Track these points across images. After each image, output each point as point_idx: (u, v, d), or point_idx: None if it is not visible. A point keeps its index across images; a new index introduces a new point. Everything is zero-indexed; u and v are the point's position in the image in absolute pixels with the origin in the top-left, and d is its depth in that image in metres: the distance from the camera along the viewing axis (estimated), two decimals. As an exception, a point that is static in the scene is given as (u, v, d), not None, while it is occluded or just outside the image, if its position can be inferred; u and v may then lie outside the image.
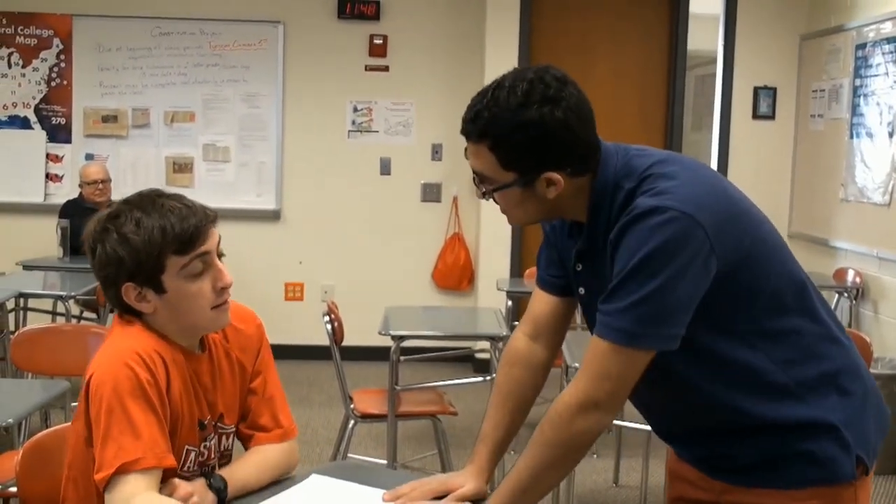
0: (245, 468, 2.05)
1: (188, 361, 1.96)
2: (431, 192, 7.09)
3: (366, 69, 7.01)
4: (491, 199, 1.83)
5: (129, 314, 1.95)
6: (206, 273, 1.93)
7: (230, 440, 2.09)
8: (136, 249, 1.86)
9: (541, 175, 1.75)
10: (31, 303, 5.72)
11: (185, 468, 1.95)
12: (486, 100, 1.74)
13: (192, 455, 1.97)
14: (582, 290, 1.92)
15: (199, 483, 1.92)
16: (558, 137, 1.72)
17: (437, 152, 7.05)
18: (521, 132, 1.71)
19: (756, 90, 6.85)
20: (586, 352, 1.76)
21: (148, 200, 1.92)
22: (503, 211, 1.86)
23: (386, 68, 7.01)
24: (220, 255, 1.98)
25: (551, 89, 1.71)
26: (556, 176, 1.75)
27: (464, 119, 1.77)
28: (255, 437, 2.12)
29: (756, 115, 6.87)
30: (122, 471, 1.74)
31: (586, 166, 1.78)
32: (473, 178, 1.83)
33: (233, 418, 2.08)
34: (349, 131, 7.05)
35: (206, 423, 1.99)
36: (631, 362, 1.72)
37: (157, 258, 1.87)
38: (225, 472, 1.99)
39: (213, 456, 2.04)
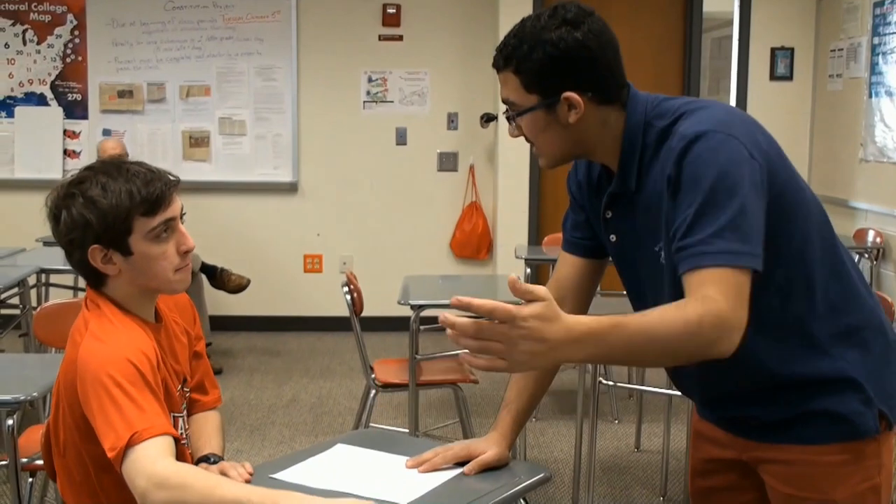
0: (218, 439, 2.16)
1: (153, 332, 2.02)
2: (448, 161, 7.08)
3: (379, 39, 6.98)
4: (522, 136, 1.85)
5: (93, 278, 1.99)
6: (170, 236, 1.97)
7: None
8: (104, 212, 1.90)
9: (561, 96, 1.76)
10: (53, 278, 5.76)
11: (180, 436, 2.00)
12: (513, 31, 1.81)
13: (180, 422, 2.04)
14: (613, 237, 1.91)
15: (215, 468, 1.97)
16: (575, 56, 1.75)
17: (452, 121, 7.03)
18: (540, 51, 1.75)
19: (773, 51, 6.79)
20: (693, 284, 1.60)
21: (112, 166, 1.96)
22: (533, 149, 1.87)
23: (400, 38, 6.98)
24: (182, 217, 2.02)
25: (571, 13, 1.77)
26: (575, 97, 1.76)
27: (495, 52, 1.83)
28: (200, 402, 2.22)
29: (773, 77, 6.82)
30: (134, 441, 1.75)
31: (609, 95, 1.79)
32: (504, 112, 1.86)
33: (189, 381, 2.16)
34: (364, 102, 7.04)
35: (181, 388, 2.08)
36: (748, 283, 1.61)
37: (124, 220, 1.91)
38: (209, 448, 2.10)
39: (186, 421, 2.11)
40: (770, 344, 1.77)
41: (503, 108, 1.88)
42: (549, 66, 1.75)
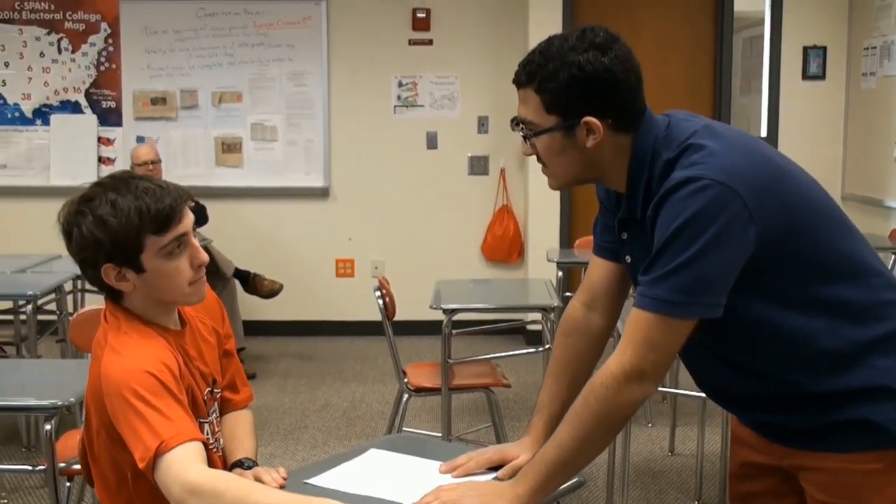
0: (251, 441, 2.16)
1: (176, 339, 2.01)
2: (479, 165, 7.08)
3: (409, 43, 6.99)
4: (535, 155, 1.85)
5: (109, 293, 1.99)
6: (183, 251, 1.96)
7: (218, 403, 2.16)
8: (114, 231, 1.89)
9: (581, 120, 1.76)
10: (88, 284, 5.81)
11: (208, 441, 2.01)
12: (539, 48, 1.80)
13: (206, 427, 2.04)
14: (628, 259, 1.92)
15: (249, 473, 1.98)
16: (601, 81, 1.74)
17: (483, 125, 7.03)
18: (565, 72, 1.74)
19: (805, 50, 6.73)
20: (628, 321, 1.76)
21: (121, 181, 1.94)
22: (544, 169, 1.87)
23: (430, 42, 6.99)
24: (194, 231, 2.01)
25: (599, 38, 1.76)
26: (596, 122, 1.76)
27: (517, 69, 1.82)
28: (232, 401, 2.22)
29: (806, 76, 6.76)
30: (162, 450, 1.75)
31: (628, 122, 1.79)
32: (521, 129, 1.85)
33: (220, 381, 2.16)
34: (395, 106, 7.05)
35: (210, 391, 2.08)
36: (673, 332, 1.72)
37: (135, 239, 1.90)
38: (242, 451, 2.10)
39: (217, 424, 2.12)
40: (801, 362, 1.77)
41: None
42: (573, 88, 1.75)
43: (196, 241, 2.00)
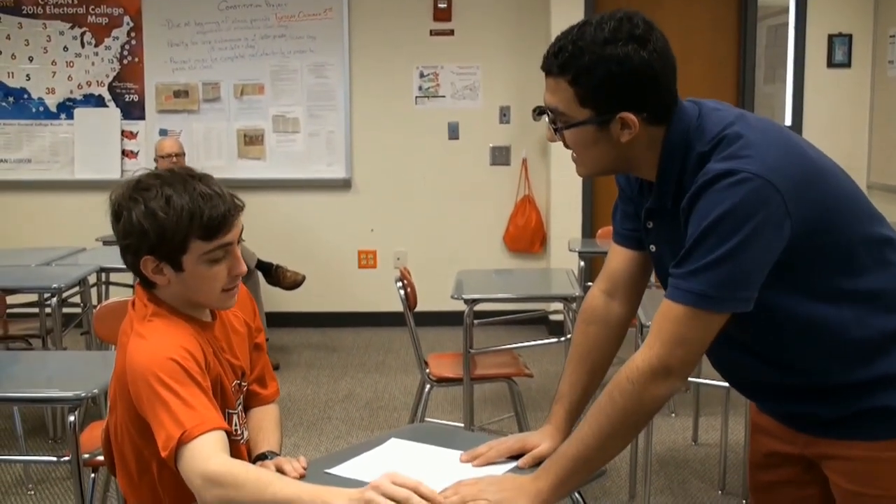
0: (276, 435, 2.16)
1: (205, 331, 2.02)
2: (501, 155, 7.07)
3: (431, 34, 6.98)
4: (561, 142, 1.80)
5: (144, 280, 1.99)
6: (224, 259, 1.96)
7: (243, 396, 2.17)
8: (163, 226, 1.89)
9: (617, 115, 1.72)
10: (112, 277, 5.87)
11: (234, 432, 2.03)
12: (571, 35, 1.72)
13: (234, 418, 2.05)
14: (653, 248, 1.90)
15: (270, 463, 1.98)
16: (640, 77, 1.69)
17: (504, 115, 7.02)
18: (603, 67, 1.68)
19: (830, 38, 6.67)
20: (657, 315, 1.72)
21: (179, 179, 1.93)
22: (574, 156, 1.83)
23: (451, 32, 6.98)
24: (239, 241, 2.00)
25: (639, 29, 1.69)
26: (631, 118, 1.71)
27: (546, 53, 1.75)
28: (260, 396, 2.22)
29: (831, 64, 6.70)
30: (184, 440, 1.76)
31: (663, 115, 1.75)
32: (548, 116, 1.79)
33: (248, 374, 2.16)
34: (416, 97, 7.05)
35: (238, 383, 2.08)
36: (706, 326, 1.69)
37: (181, 240, 1.90)
38: (267, 445, 2.10)
39: (244, 415, 2.12)
40: (830, 352, 1.76)
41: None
42: (610, 84, 1.69)
43: (238, 251, 1.99)
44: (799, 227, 1.66)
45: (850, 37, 6.66)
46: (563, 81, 1.72)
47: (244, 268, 2.00)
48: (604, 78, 1.69)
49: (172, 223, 1.88)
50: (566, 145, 1.81)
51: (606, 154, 1.78)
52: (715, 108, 1.79)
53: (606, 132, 1.74)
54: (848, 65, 6.69)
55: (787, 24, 6.82)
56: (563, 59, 1.72)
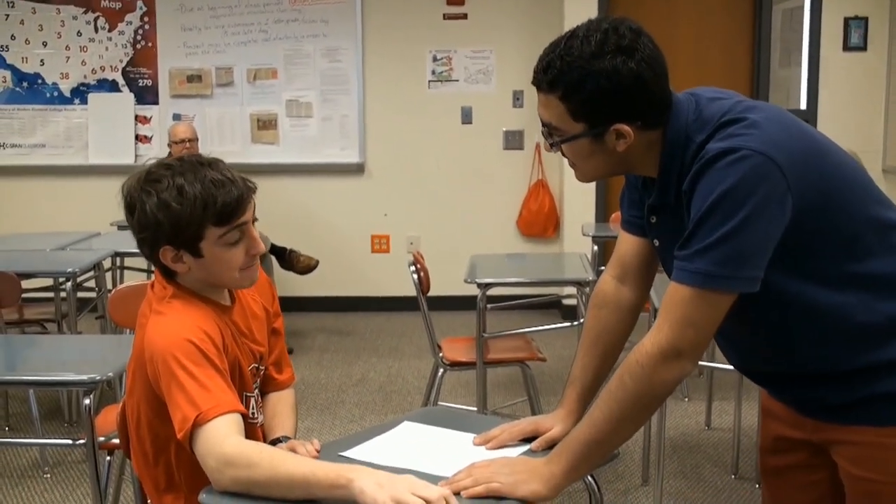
0: (291, 419, 2.18)
1: (224, 314, 2.03)
2: (514, 140, 7.06)
3: (444, 17, 6.97)
4: (559, 152, 1.82)
5: (163, 270, 2.01)
6: (241, 241, 1.97)
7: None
8: (177, 217, 1.90)
9: (610, 127, 1.72)
10: (127, 261, 5.89)
11: (250, 415, 2.04)
12: (558, 49, 1.72)
13: (252, 401, 2.07)
14: (657, 242, 1.90)
15: (284, 446, 1.99)
16: (630, 89, 1.69)
17: (518, 99, 7.00)
18: (592, 82, 1.68)
19: (846, 21, 6.62)
20: (665, 298, 1.72)
21: (190, 167, 1.94)
22: (571, 165, 1.85)
23: (464, 16, 6.96)
24: (253, 221, 2.01)
25: (625, 40, 1.68)
26: (626, 128, 1.72)
27: (535, 69, 1.75)
28: (276, 381, 2.24)
29: (847, 48, 6.65)
30: (200, 421, 1.77)
31: (657, 120, 1.75)
32: (542, 130, 1.81)
33: (266, 358, 2.17)
34: (429, 81, 7.04)
35: (255, 367, 2.10)
36: (713, 307, 1.68)
37: (197, 228, 1.91)
38: (282, 430, 2.12)
39: (260, 398, 2.14)
40: (836, 337, 1.75)
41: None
42: (601, 98, 1.69)
43: (255, 231, 2.00)
44: (799, 203, 1.66)
45: (865, 20, 6.61)
46: (554, 98, 1.73)
47: (262, 246, 2.01)
48: (594, 93, 1.69)
49: (186, 213, 1.89)
50: (565, 156, 1.83)
51: (605, 163, 1.80)
52: (712, 97, 1.78)
53: (602, 143, 1.75)
54: (864, 48, 6.64)
55: (802, 8, 6.78)
56: (551, 76, 1.71)
